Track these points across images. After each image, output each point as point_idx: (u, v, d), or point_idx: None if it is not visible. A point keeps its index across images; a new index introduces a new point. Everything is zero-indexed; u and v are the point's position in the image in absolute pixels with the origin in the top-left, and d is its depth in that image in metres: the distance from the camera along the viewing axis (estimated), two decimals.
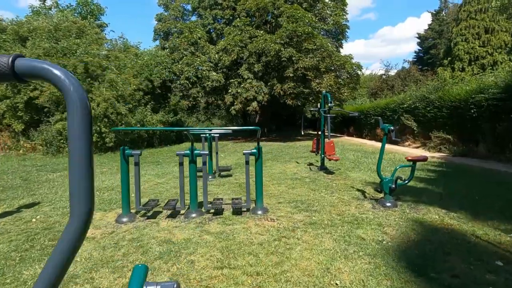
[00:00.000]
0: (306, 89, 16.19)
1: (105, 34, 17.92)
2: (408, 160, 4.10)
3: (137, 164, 3.85)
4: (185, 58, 15.63)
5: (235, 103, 15.66)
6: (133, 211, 3.99)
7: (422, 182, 5.49)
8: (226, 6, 17.48)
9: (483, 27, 17.39)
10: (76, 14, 16.52)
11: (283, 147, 13.12)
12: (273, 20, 16.50)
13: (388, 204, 4.08)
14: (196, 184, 3.90)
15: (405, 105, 12.93)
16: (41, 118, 11.52)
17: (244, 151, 3.92)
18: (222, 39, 16.65)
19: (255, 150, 3.87)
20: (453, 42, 18.76)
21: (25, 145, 11.35)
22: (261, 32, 15.53)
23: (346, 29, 19.08)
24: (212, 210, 4.00)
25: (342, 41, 19.82)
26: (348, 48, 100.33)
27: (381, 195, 4.52)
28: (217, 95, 16.54)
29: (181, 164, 3.89)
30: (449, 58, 18.55)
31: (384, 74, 32.16)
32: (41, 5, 18.80)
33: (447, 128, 10.24)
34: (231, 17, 17.37)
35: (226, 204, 4.21)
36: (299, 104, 19.03)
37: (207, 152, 4.66)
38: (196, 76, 15.38)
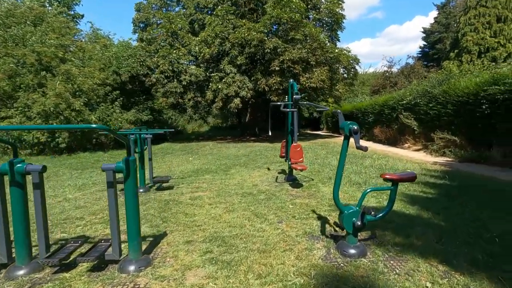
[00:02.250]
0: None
1: (78, 25, 16.58)
2: (386, 180, 2.54)
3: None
4: (161, 50, 14.15)
5: (216, 101, 14.15)
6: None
7: (414, 204, 3.90)
8: None
9: (495, 15, 15.56)
10: (46, 3, 15.17)
11: (265, 149, 11.58)
12: (259, 8, 14.95)
13: (352, 252, 2.52)
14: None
15: (404, 102, 11.27)
16: None
17: (103, 166, 2.37)
18: (204, 30, 15.13)
19: (121, 164, 2.33)
20: (460, 33, 16.96)
21: None
22: (245, 21, 13.98)
23: (343, 19, 17.39)
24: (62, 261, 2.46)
25: (338, 32, 18.13)
26: (354, 47, 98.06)
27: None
28: (198, 91, 15.04)
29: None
30: (456, 51, 16.77)
31: (387, 71, 30.36)
32: None
33: (452, 128, 8.58)
34: (214, 6, 15.84)
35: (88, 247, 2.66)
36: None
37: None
38: (172, 70, 13.90)
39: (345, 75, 18.26)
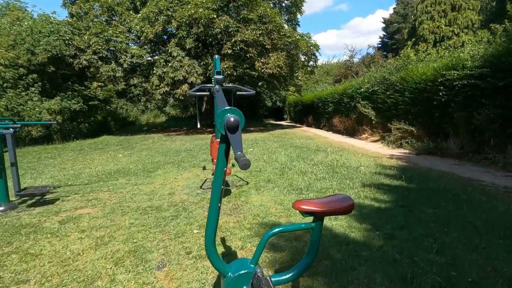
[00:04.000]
0: (252, 71, 13.35)
1: None
2: (303, 213, 1.40)
3: None
4: (94, 26, 12.03)
5: (161, 86, 12.46)
6: None
7: (363, 221, 2.92)
8: None
9: (450, 3, 15.56)
10: None
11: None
12: None
13: None
14: None
15: (362, 90, 10.59)
16: None
17: None
18: (146, 6, 13.18)
19: None
20: (418, 21, 16.82)
21: None
22: None
23: (302, 2, 16.37)
24: None
25: (298, 16, 17.13)
26: (320, 38, 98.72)
27: None
28: (142, 76, 13.20)
29: None
30: (413, 39, 16.64)
31: (349, 60, 30.32)
32: None
33: (410, 118, 7.98)
34: None
35: None
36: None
37: None
38: (108, 50, 11.90)
39: (305, 62, 17.40)
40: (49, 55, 10.55)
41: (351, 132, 12.08)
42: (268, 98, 29.02)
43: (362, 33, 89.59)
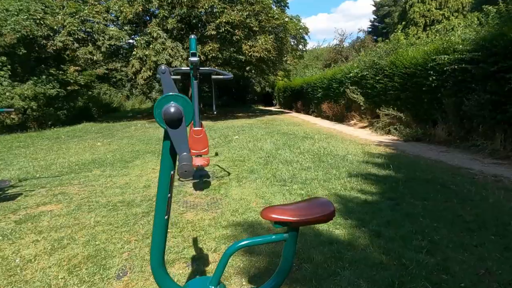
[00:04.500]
0: (240, 55, 12.85)
1: None
2: (275, 223, 1.14)
3: None
4: (68, 6, 11.19)
5: (142, 70, 11.86)
6: None
7: (348, 215, 2.73)
8: None
9: None
10: None
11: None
12: None
13: None
14: None
15: (351, 74, 10.34)
16: None
17: None
18: None
19: None
20: (408, 4, 16.46)
21: None
22: None
23: None
24: None
25: None
26: (310, 22, 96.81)
27: None
28: (121, 60, 12.51)
29: None
30: (403, 23, 16.34)
31: (338, 45, 29.84)
32: None
33: (398, 104, 7.83)
34: None
35: None
36: (236, 73, 15.76)
37: None
38: (84, 32, 11.14)
39: (294, 46, 16.93)
40: (18, 36, 9.75)
41: (340, 118, 11.92)
42: (257, 84, 28.48)
43: (353, 17, 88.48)
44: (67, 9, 11.20)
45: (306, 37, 16.85)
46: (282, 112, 19.20)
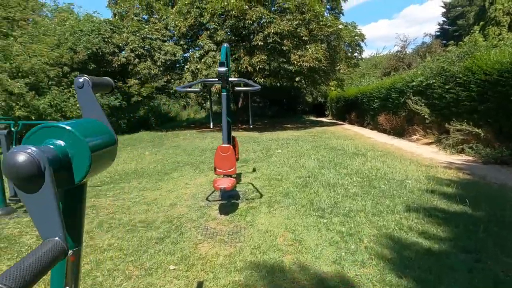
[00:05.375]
0: (289, 66, 12.49)
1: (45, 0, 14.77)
2: None
3: None
4: (131, 25, 12.25)
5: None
6: None
7: (404, 272, 2.04)
8: None
9: None
10: None
11: (244, 141, 9.71)
12: None
13: None
14: None
15: (414, 83, 9.09)
16: None
17: None
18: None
19: None
20: (488, 1, 14.19)
21: None
22: None
23: None
24: None
25: (342, 3, 15.66)
26: (370, 29, 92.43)
27: None
28: (174, 73, 13.18)
29: None
30: (481, 23, 14.09)
31: (400, 51, 27.45)
32: None
33: (475, 117, 6.48)
34: None
35: None
36: (285, 84, 15.42)
37: None
38: (143, 48, 12.02)
39: (348, 53, 15.92)
40: (89, 53, 10.96)
41: (400, 132, 10.58)
42: (309, 94, 27.74)
43: (417, 22, 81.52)
44: (130, 27, 12.25)
45: (362, 44, 15.71)
46: (334, 124, 18.13)
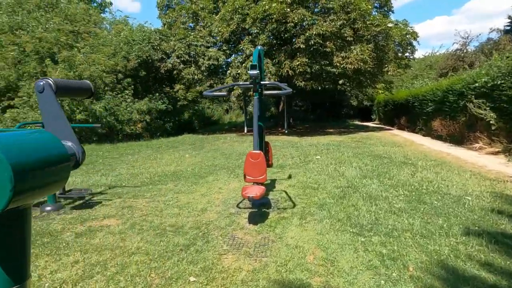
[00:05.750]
0: (332, 68, 12.02)
1: (103, 13, 16.32)
2: None
3: None
4: (178, 33, 12.91)
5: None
6: None
7: None
8: None
9: None
10: None
11: (283, 145, 9.51)
12: None
13: None
14: None
15: (476, 84, 8.03)
16: None
17: None
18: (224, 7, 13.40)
19: None
20: None
21: None
22: None
23: None
24: None
25: (392, 1, 14.63)
26: (424, 27, 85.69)
27: None
28: (217, 77, 13.51)
29: None
30: None
31: (460, 49, 24.80)
32: None
33: None
34: None
35: None
36: (328, 87, 14.88)
37: None
38: (188, 54, 12.56)
39: (399, 54, 14.81)
40: (139, 60, 11.80)
41: (458, 139, 9.43)
42: (353, 97, 26.51)
43: (482, 17, 73.16)
44: (177, 35, 12.89)
45: (414, 43, 14.47)
46: (381, 129, 16.96)
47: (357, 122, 25.43)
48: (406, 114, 15.29)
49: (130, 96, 11.75)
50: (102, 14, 15.74)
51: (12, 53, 9.36)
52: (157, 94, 13.17)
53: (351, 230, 2.78)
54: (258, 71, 2.95)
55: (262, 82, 3.25)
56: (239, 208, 3.62)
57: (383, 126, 19.76)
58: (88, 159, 8.20)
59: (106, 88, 10.91)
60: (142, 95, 12.75)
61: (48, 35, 9.73)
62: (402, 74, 18.13)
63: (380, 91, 18.97)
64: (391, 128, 17.39)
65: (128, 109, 11.28)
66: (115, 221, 3.32)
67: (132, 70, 11.92)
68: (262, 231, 2.91)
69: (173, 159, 7.85)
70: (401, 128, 16.19)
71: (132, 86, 11.92)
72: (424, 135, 12.41)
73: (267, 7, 10.83)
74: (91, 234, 2.96)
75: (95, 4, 18.13)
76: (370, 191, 3.95)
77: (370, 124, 23.05)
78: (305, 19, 10.47)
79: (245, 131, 4.21)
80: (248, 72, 2.93)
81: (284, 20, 10.70)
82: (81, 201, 4.10)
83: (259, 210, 3.45)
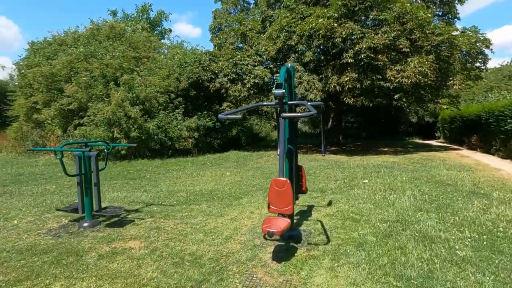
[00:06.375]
0: (385, 82, 11.14)
1: (163, 39, 17.89)
2: None
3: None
4: (226, 53, 13.43)
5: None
6: None
7: None
8: None
9: None
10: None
11: (328, 165, 8.90)
12: None
13: None
14: None
15: None
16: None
17: None
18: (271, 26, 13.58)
19: None
20: None
21: None
22: (316, 8, 11.58)
23: None
24: None
25: (457, 6, 13.15)
26: (499, 34, 76.13)
27: None
28: (263, 95, 13.55)
29: None
30: None
31: None
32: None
33: None
34: None
35: None
36: (380, 103, 13.81)
37: None
38: (235, 73, 12.91)
39: (468, 64, 13.11)
40: (190, 81, 12.48)
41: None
42: (413, 113, 24.24)
43: None
44: (226, 55, 13.39)
45: (487, 51, 12.64)
46: (446, 148, 14.95)
47: (417, 140, 23.00)
48: (478, 132, 13.29)
49: (180, 114, 12.41)
50: (162, 40, 17.33)
51: (84, 78, 10.72)
52: (205, 112, 13.70)
53: (394, 284, 2.24)
54: (284, 91, 2.69)
55: (289, 102, 2.98)
56: (265, 239, 3.29)
57: (448, 145, 17.47)
58: (137, 173, 8.72)
59: (159, 107, 11.71)
60: (192, 113, 13.38)
61: (113, 62, 10.93)
62: (473, 86, 15.96)
63: (444, 107, 16.95)
64: (459, 148, 15.25)
65: (178, 126, 11.89)
66: (139, 244, 3.27)
67: (183, 90, 12.65)
68: (285, 272, 2.53)
69: (213, 177, 7.87)
70: (471, 148, 14.09)
71: (183, 105, 12.60)
72: (502, 157, 10.52)
73: (314, 24, 10.60)
74: (112, 257, 2.93)
75: (156, 32, 20.11)
76: (425, 230, 3.27)
77: (433, 142, 20.64)
78: (353, 33, 9.92)
79: (278, 153, 3.92)
80: (273, 91, 2.68)
81: (331, 35, 10.30)
82: (116, 218, 4.22)
83: (287, 244, 3.08)
